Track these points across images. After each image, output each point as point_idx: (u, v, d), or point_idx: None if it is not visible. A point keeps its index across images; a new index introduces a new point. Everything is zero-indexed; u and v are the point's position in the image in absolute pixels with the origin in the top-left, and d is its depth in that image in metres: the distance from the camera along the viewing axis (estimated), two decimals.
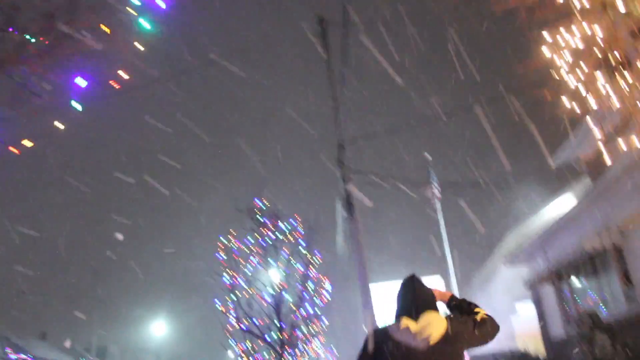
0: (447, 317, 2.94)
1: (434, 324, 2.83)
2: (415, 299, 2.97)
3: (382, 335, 2.92)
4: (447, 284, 21.49)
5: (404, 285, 3.10)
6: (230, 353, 12.86)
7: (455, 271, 21.96)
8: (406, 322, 2.85)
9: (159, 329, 45.96)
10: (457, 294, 22.04)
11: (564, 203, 14.86)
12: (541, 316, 14.05)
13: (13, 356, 32.92)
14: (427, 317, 2.86)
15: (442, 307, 3.13)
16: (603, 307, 11.23)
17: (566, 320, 12.75)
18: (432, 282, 21.43)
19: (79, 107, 5.38)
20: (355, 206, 12.13)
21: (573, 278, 12.48)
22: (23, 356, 33.24)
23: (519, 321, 21.20)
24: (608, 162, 3.59)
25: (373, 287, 11.47)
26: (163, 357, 77.76)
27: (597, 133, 3.44)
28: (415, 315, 2.87)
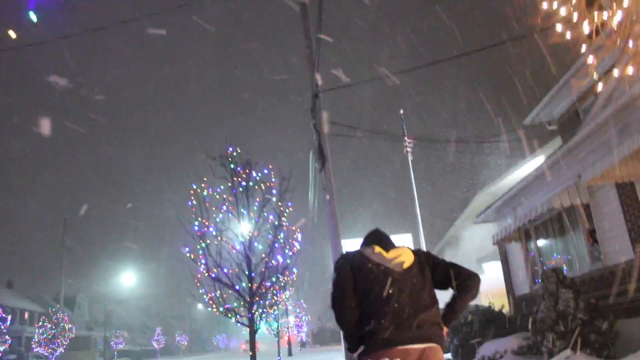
0: (415, 252, 3.07)
1: (404, 254, 2.97)
2: (383, 238, 3.12)
3: (357, 257, 3.00)
4: (417, 242, 21.78)
5: (370, 233, 3.23)
6: (199, 305, 12.76)
7: (425, 229, 22.22)
8: (378, 249, 2.99)
9: (128, 279, 46.01)
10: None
11: (535, 164, 14.96)
12: (507, 273, 14.29)
13: None
14: (397, 250, 3.01)
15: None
16: (566, 267, 11.43)
17: (531, 277, 12.99)
18: (403, 240, 21.70)
19: (34, 18, 5.01)
20: (328, 158, 11.98)
21: (540, 236, 12.66)
22: None
23: (485, 280, 21.55)
24: (600, 89, 3.48)
25: (345, 243, 11.39)
26: (132, 308, 78.16)
27: (591, 59, 3.30)
28: (385, 248, 3.02)
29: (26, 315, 48.85)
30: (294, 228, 13.07)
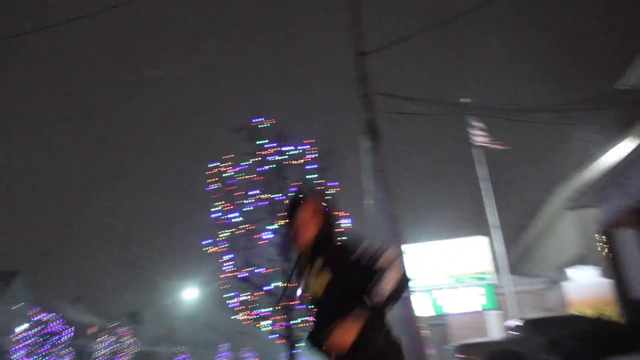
0: None
1: None
2: None
3: None
4: (491, 244, 18.17)
5: None
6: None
7: (500, 229, 18.63)
8: None
9: (191, 294, 44.00)
10: (504, 254, 18.61)
11: (626, 149, 11.29)
12: (616, 271, 10.71)
13: (41, 316, 31.72)
14: None
15: None
16: None
17: None
18: (476, 243, 18.20)
19: None
20: (381, 134, 9.08)
21: None
22: (50, 316, 31.92)
23: (572, 288, 17.99)
24: None
25: (407, 248, 8.81)
26: (200, 325, 76.76)
27: None
28: None
29: (92, 329, 48.08)
30: (338, 213, 10.16)
